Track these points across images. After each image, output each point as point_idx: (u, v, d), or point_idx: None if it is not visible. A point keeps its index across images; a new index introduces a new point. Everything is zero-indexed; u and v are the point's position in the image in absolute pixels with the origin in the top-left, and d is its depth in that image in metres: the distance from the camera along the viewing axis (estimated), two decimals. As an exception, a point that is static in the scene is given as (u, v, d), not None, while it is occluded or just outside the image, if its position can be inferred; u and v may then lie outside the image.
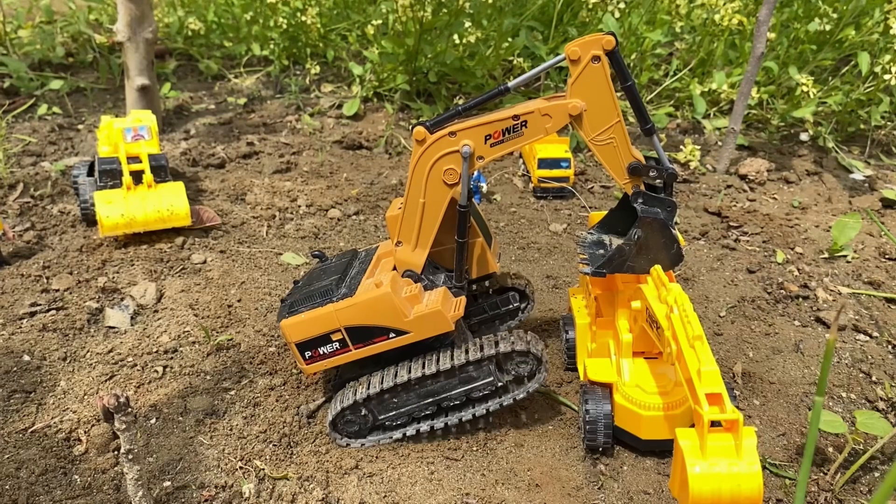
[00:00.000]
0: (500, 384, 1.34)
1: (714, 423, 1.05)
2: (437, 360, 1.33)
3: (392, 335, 1.32)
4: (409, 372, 1.33)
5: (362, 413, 1.35)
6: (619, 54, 1.22)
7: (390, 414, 1.36)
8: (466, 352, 1.33)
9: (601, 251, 1.38)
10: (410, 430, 1.36)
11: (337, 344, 1.34)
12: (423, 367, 1.32)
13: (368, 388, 1.33)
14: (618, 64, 1.23)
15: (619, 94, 1.26)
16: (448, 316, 1.30)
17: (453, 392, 1.34)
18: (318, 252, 1.53)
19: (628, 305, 1.33)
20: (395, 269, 1.38)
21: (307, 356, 1.35)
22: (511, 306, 1.59)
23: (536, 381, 1.34)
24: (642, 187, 1.30)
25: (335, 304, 1.31)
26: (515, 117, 1.26)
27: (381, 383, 1.33)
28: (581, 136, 1.28)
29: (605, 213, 1.46)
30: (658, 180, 1.29)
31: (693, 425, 1.09)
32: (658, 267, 1.28)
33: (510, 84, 1.29)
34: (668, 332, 1.15)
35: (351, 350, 1.34)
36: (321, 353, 1.35)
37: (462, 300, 1.36)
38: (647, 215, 1.28)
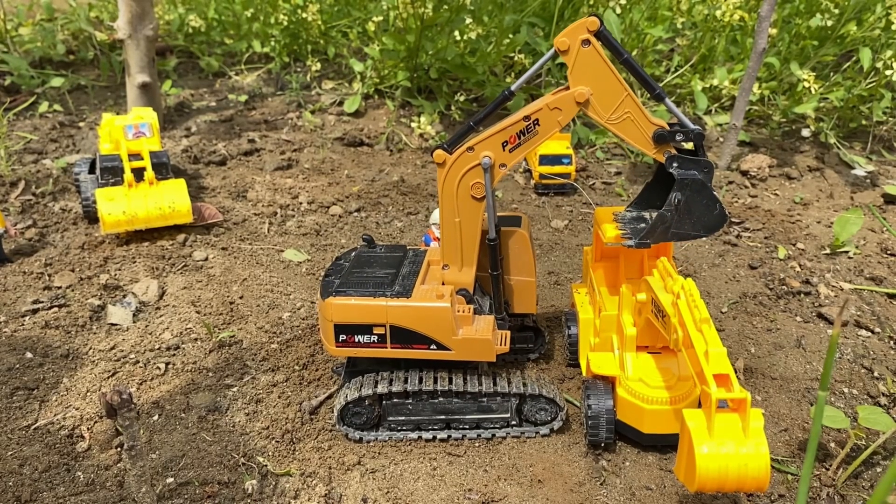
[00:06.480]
0: (513, 422, 1.36)
1: (721, 405, 1.04)
2: (466, 383, 1.34)
3: (433, 347, 1.32)
4: (437, 384, 1.33)
5: (374, 407, 1.35)
6: (607, 32, 1.22)
7: (399, 418, 1.36)
8: (495, 382, 1.34)
9: (642, 225, 1.34)
10: (412, 435, 1.37)
11: (376, 338, 1.32)
12: (452, 385, 1.33)
13: (391, 385, 1.33)
14: (608, 42, 1.23)
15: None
16: (495, 348, 1.32)
17: (467, 416, 1.35)
18: (368, 236, 1.51)
19: (631, 293, 1.32)
20: (444, 283, 1.38)
21: (341, 339, 1.34)
22: (525, 345, 1.59)
23: (547, 428, 1.37)
24: (674, 152, 1.27)
25: (388, 299, 1.31)
26: (527, 118, 1.27)
27: (407, 385, 1.33)
28: (596, 121, 1.27)
29: (614, 207, 1.45)
30: (686, 142, 1.27)
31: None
32: (664, 259, 1.27)
33: (513, 87, 1.29)
34: (674, 319, 1.14)
35: (387, 348, 1.33)
36: (356, 340, 1.33)
37: (507, 335, 1.37)
38: (685, 177, 1.24)
